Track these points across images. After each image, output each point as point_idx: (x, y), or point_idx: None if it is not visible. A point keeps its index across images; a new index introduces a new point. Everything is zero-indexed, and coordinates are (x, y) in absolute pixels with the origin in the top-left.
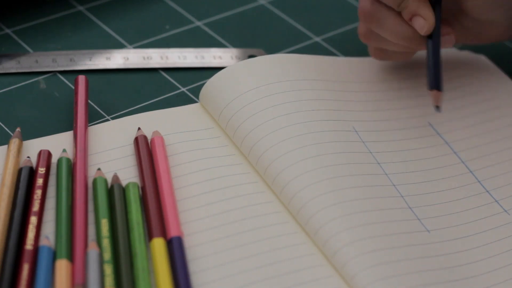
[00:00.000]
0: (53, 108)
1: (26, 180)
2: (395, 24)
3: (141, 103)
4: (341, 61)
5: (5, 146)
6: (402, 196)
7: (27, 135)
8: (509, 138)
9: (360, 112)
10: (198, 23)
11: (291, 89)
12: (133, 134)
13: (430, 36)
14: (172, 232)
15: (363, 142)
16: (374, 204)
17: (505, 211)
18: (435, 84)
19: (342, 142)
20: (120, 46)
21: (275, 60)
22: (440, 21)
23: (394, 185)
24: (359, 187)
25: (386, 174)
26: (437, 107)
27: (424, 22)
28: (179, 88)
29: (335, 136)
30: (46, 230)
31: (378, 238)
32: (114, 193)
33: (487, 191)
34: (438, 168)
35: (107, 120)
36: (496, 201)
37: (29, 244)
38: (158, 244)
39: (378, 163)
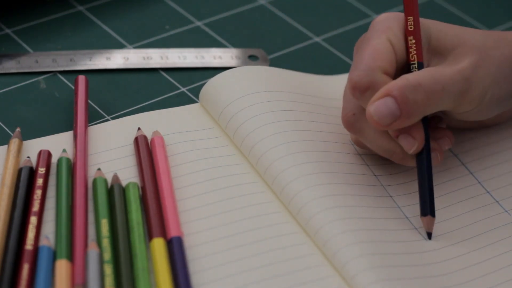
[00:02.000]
0: (53, 108)
1: (26, 180)
2: (376, 137)
3: (141, 103)
4: (337, 79)
5: (5, 146)
6: (399, 207)
7: (27, 135)
8: (508, 138)
9: None
10: (198, 23)
11: (292, 100)
12: (133, 134)
13: (418, 154)
14: (172, 232)
15: (360, 154)
16: (372, 213)
17: (506, 211)
18: (429, 210)
19: (340, 153)
20: (120, 46)
21: (277, 72)
22: (429, 138)
23: (391, 196)
24: (356, 195)
25: (383, 185)
26: (429, 234)
27: (413, 141)
28: (179, 88)
29: (333, 147)
30: (46, 230)
31: (377, 243)
32: (114, 193)
33: (488, 192)
34: (438, 173)
35: (107, 120)
36: (496, 201)
37: (29, 244)
38: (158, 244)
39: (375, 175)
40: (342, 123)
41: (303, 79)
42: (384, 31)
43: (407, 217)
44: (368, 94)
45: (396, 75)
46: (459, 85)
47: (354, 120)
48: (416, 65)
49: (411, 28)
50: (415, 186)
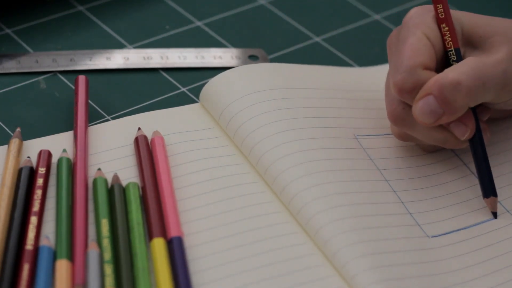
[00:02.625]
0: (53, 108)
1: (26, 180)
2: (428, 129)
3: (141, 103)
4: (341, 70)
5: (5, 146)
6: (402, 202)
7: (27, 135)
8: (508, 140)
9: (362, 120)
10: (198, 23)
11: (294, 96)
12: (133, 134)
13: (471, 139)
14: (172, 232)
15: (364, 149)
16: (374, 209)
17: (508, 211)
18: (491, 191)
19: (342, 149)
20: (120, 46)
21: (279, 68)
22: (479, 121)
23: (394, 191)
24: (359, 192)
25: (386, 180)
26: (495, 214)
27: (465, 128)
28: (179, 88)
29: (336, 142)
30: (46, 230)
31: (378, 241)
32: (114, 193)
33: None
34: (440, 173)
35: (107, 120)
36: (498, 201)
37: (29, 244)
38: (158, 244)
39: (379, 170)
40: (388, 118)
41: (305, 71)
42: (418, 26)
43: (410, 213)
44: (414, 94)
45: (438, 66)
46: (499, 79)
47: (404, 114)
48: (453, 51)
49: (441, 15)
50: (419, 182)
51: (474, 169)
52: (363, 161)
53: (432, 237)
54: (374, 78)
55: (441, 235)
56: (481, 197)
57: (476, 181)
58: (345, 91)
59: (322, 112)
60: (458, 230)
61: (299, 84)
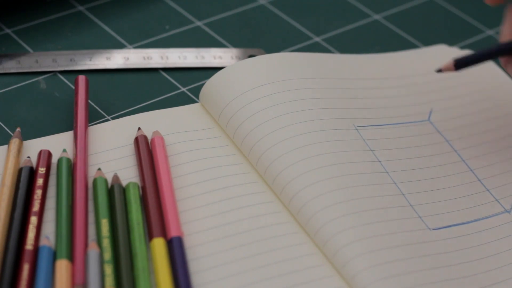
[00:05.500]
0: (53, 108)
1: (26, 180)
2: None
3: (141, 103)
4: (342, 58)
5: (5, 146)
6: (403, 194)
7: (27, 135)
8: (509, 136)
9: (361, 110)
10: (198, 23)
11: (291, 88)
12: (133, 134)
13: None
14: (172, 232)
15: (364, 140)
16: (375, 203)
17: (506, 211)
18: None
19: (342, 141)
20: (120, 46)
21: (275, 59)
22: None
23: (395, 183)
24: (359, 186)
25: (387, 172)
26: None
27: None
28: (179, 88)
29: (335, 135)
30: (46, 230)
31: (378, 237)
32: (114, 193)
33: (488, 190)
34: (439, 166)
35: (107, 120)
36: (496, 200)
37: (29, 244)
38: (158, 244)
39: (379, 161)
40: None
41: (299, 60)
42: None
43: (411, 205)
44: None
45: None
46: None
47: None
48: None
49: None
50: (420, 173)
51: (472, 167)
52: (363, 153)
53: (434, 229)
54: (373, 66)
55: (443, 228)
56: (483, 192)
57: (476, 177)
58: (342, 80)
59: (319, 103)
60: (459, 224)
61: (293, 75)
